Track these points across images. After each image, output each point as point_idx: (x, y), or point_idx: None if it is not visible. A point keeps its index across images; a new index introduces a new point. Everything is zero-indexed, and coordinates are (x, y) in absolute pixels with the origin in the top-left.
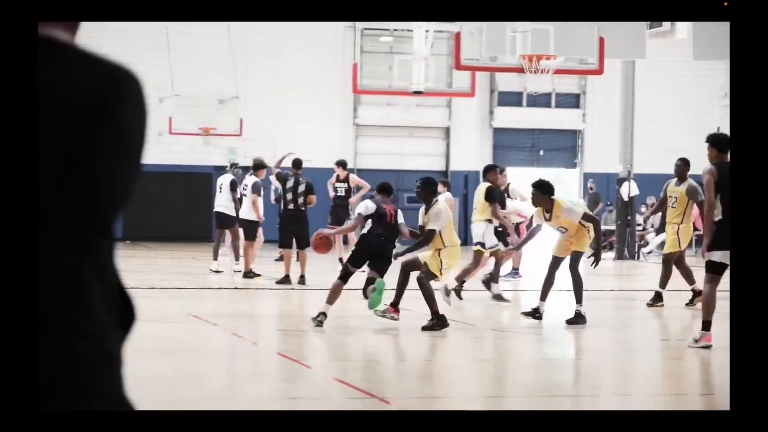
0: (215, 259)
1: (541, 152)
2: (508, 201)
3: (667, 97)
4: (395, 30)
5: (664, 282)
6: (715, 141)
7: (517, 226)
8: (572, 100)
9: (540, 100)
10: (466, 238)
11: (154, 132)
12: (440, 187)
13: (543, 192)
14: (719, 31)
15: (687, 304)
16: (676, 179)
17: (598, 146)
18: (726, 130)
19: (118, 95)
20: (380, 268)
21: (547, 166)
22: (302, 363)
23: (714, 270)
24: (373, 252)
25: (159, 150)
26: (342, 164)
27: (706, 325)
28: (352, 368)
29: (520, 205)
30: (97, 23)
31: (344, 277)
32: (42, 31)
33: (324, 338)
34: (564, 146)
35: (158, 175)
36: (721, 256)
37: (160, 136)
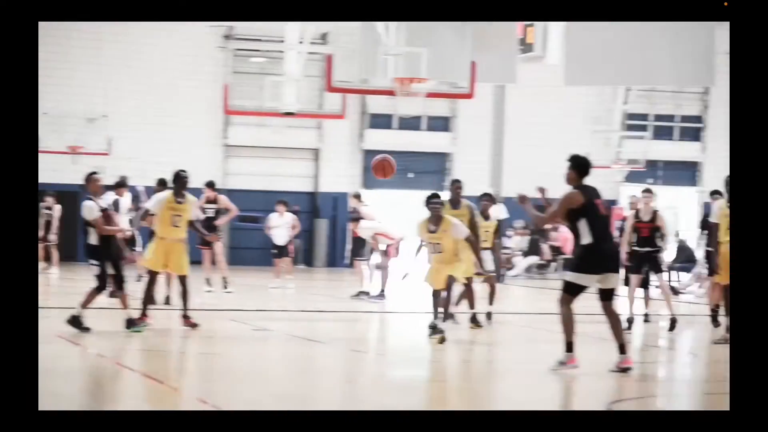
0: None
1: (411, 174)
2: (370, 222)
3: (539, 121)
4: (267, 51)
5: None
6: (576, 163)
7: (386, 247)
8: (443, 123)
9: (411, 123)
10: (334, 259)
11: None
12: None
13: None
14: (591, 57)
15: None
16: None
17: (468, 169)
18: (593, 155)
19: None
20: None
21: (417, 189)
22: None
23: (568, 291)
24: None
25: None
26: (211, 185)
27: (569, 347)
28: None
29: (386, 227)
30: None
31: None
32: None
33: None
34: (433, 169)
35: None
36: (576, 277)
37: None
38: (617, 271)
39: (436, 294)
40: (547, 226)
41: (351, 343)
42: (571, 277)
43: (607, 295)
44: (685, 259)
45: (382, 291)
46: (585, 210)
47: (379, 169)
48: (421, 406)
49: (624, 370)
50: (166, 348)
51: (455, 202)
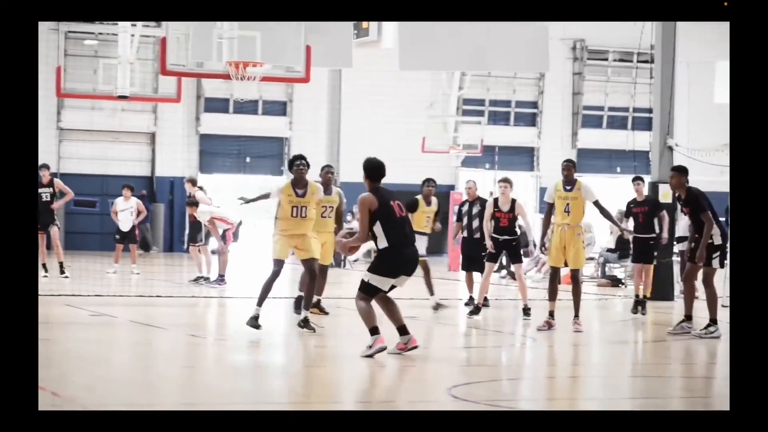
0: None
1: (248, 159)
2: (207, 207)
3: (375, 105)
4: (100, 34)
5: None
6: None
7: (224, 232)
8: (279, 108)
9: (247, 108)
10: (172, 244)
11: None
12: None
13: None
14: (425, 41)
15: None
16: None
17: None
18: (430, 140)
19: None
20: None
21: (254, 173)
22: None
23: (365, 290)
24: None
25: None
26: (46, 167)
27: (373, 331)
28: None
29: (224, 212)
30: None
31: None
32: None
33: None
34: (270, 153)
35: None
36: (373, 279)
37: None
38: (411, 274)
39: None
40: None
41: (190, 328)
42: (368, 278)
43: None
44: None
45: (222, 276)
46: (379, 214)
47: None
48: (259, 393)
49: (409, 349)
50: None
51: (326, 188)
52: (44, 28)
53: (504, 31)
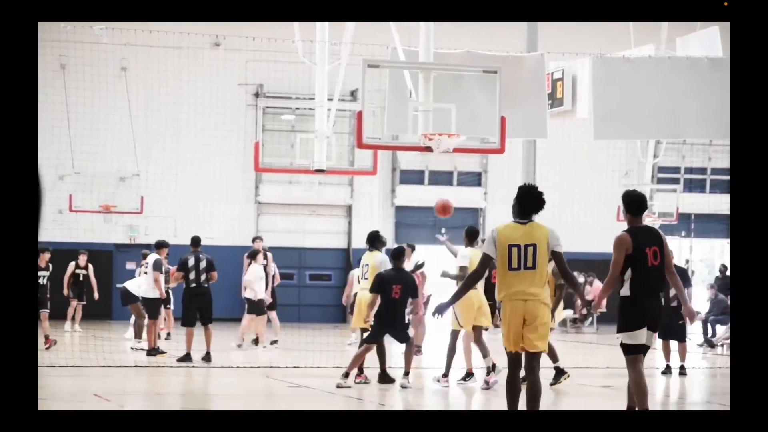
0: (137, 336)
1: (443, 230)
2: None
3: (569, 175)
4: (297, 108)
5: None
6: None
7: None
8: (474, 179)
9: (442, 179)
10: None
11: (53, 209)
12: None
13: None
14: (619, 111)
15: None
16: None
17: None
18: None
19: None
20: None
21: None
22: None
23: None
24: None
25: (60, 228)
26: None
27: None
28: None
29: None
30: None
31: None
32: None
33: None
34: (465, 224)
35: (58, 252)
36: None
37: (60, 213)
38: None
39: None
40: (580, 280)
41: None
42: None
43: None
44: (720, 311)
45: (418, 347)
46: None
47: (440, 209)
48: None
49: None
50: None
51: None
52: (242, 104)
53: (699, 97)
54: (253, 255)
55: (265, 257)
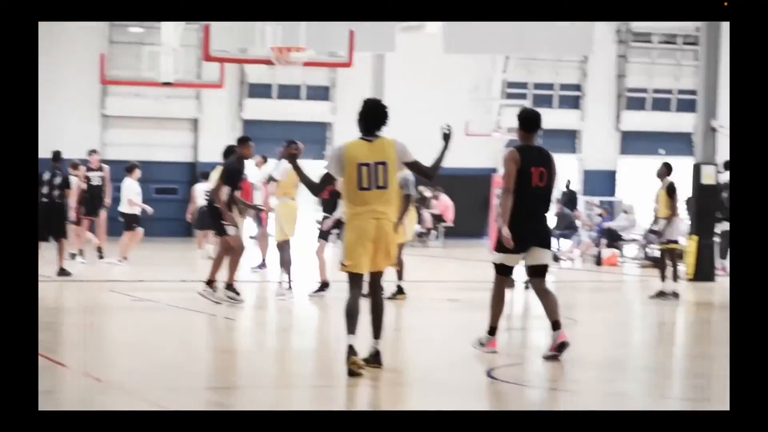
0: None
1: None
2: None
3: (418, 90)
4: (145, 22)
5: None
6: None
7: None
8: (322, 93)
9: (290, 92)
10: None
11: None
12: None
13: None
14: (470, 26)
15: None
16: None
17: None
18: (473, 123)
19: None
20: None
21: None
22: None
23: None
24: None
25: None
26: (95, 152)
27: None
28: None
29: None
30: None
31: None
32: None
33: None
34: (314, 138)
35: None
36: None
37: None
38: None
39: None
40: (428, 195)
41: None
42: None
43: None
44: (565, 226)
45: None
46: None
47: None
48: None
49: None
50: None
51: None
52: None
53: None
54: (130, 169)
55: (101, 169)
